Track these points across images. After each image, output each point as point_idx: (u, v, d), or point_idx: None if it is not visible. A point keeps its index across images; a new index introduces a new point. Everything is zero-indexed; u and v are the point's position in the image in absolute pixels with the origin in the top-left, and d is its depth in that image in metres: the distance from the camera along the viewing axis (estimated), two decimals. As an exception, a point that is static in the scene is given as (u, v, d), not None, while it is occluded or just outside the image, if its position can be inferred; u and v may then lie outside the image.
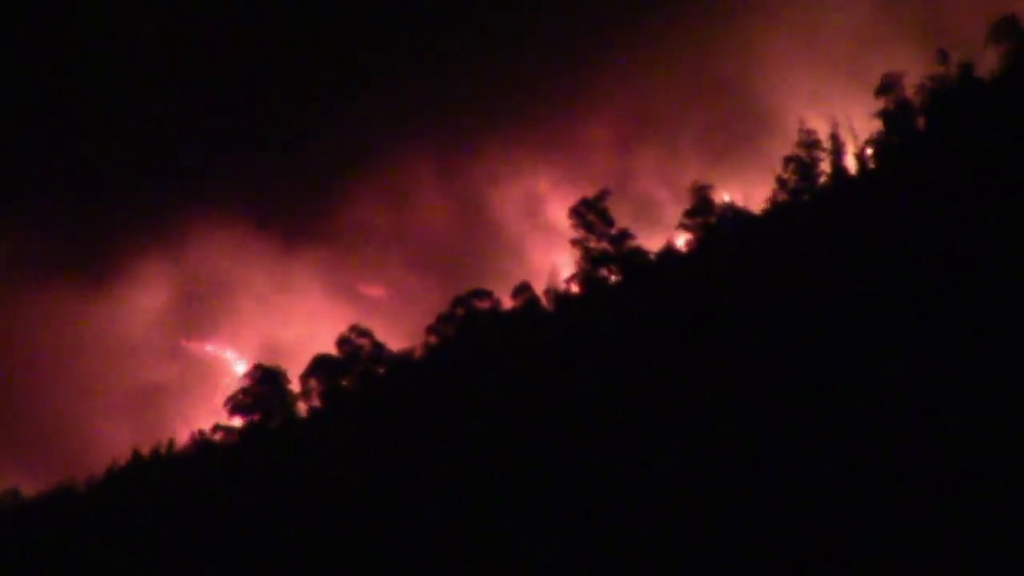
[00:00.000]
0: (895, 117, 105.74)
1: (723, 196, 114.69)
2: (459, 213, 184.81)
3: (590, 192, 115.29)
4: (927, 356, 72.67)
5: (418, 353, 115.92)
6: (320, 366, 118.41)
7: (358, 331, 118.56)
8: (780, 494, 68.71)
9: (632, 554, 72.47)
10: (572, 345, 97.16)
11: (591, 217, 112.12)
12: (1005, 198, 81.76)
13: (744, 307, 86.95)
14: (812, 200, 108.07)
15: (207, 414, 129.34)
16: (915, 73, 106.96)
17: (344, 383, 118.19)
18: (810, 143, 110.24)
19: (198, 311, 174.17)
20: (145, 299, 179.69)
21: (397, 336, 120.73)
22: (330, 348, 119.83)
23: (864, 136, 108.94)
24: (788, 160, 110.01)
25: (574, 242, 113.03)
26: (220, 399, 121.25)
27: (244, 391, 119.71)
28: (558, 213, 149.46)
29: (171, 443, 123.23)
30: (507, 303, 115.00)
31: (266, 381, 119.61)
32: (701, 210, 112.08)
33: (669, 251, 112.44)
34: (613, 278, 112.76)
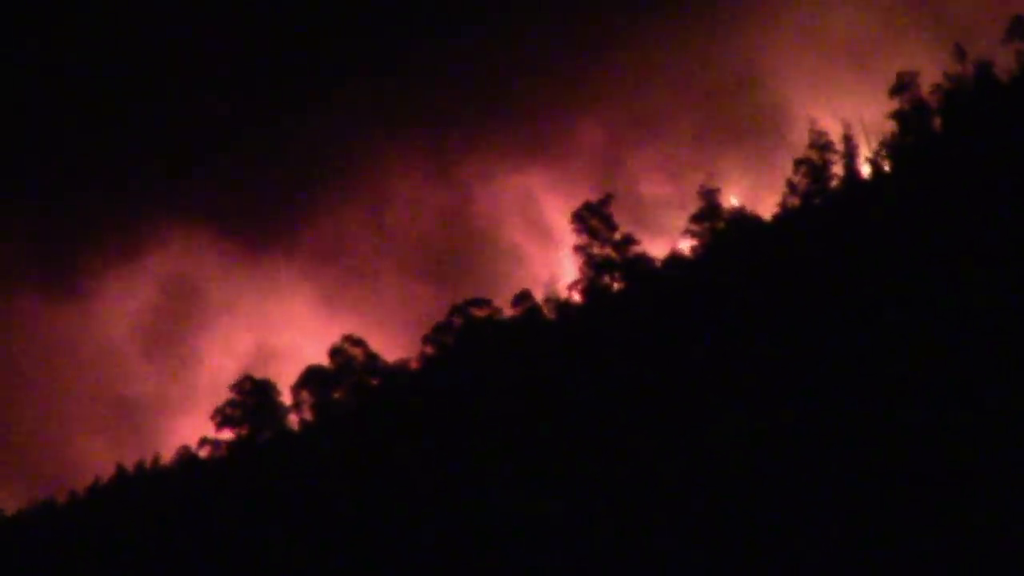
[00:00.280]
0: (910, 118, 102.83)
1: (731, 200, 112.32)
2: (453, 217, 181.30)
3: (591, 195, 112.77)
4: (946, 368, 71.14)
5: (414, 364, 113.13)
6: (312, 377, 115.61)
7: (351, 341, 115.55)
8: (792, 514, 68.15)
9: (632, 566, 72.22)
10: (576, 357, 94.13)
11: (594, 222, 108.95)
12: (1027, 203, 78.98)
13: (754, 317, 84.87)
14: (824, 204, 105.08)
15: (193, 427, 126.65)
16: (930, 72, 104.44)
17: (337, 395, 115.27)
18: (822, 145, 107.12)
19: (180, 320, 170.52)
20: (120, 308, 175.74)
21: (391, 346, 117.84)
22: (322, 358, 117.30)
23: (878, 137, 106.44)
24: (799, 162, 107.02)
25: (576, 248, 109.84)
26: (207, 411, 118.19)
27: (232, 403, 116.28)
28: (555, 216, 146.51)
29: (156, 458, 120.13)
30: (507, 311, 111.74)
31: (255, 393, 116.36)
32: (708, 215, 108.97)
33: (675, 257, 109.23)
34: (617, 286, 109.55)
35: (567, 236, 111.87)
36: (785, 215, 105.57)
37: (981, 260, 78.00)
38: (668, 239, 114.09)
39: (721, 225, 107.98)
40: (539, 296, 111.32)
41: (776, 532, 67.77)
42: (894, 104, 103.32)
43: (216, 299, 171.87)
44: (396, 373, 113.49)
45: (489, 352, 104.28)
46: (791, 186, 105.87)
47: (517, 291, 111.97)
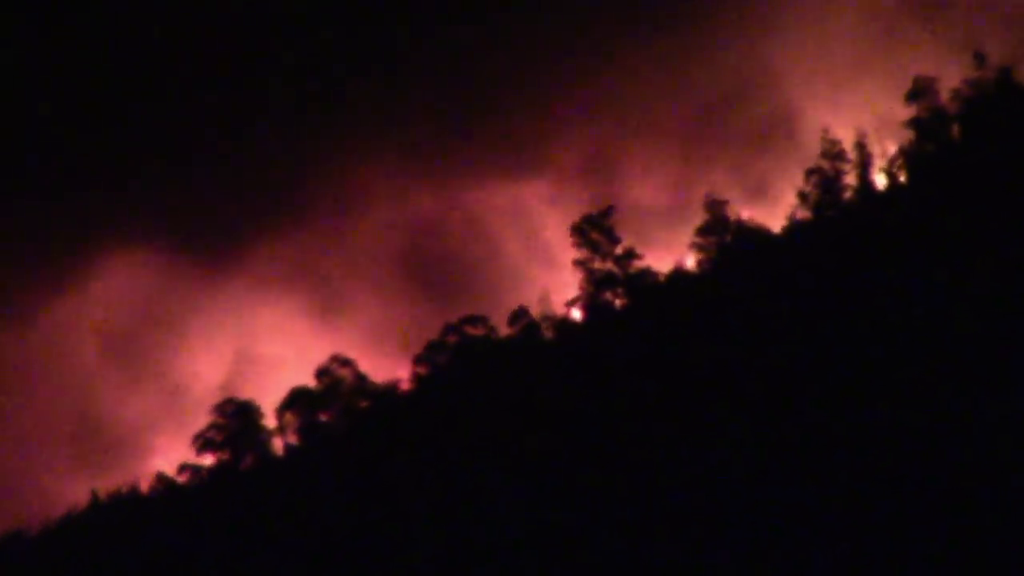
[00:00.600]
0: (928, 125, 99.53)
1: (739, 212, 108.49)
2: (445, 229, 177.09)
3: (590, 207, 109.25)
4: (967, 389, 68.75)
5: (406, 385, 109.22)
6: (297, 399, 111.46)
7: (339, 361, 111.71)
8: (797, 539, 67.06)
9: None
10: (577, 378, 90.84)
11: (595, 235, 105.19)
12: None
13: (762, 334, 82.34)
14: (836, 217, 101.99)
15: (169, 447, 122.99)
16: (949, 77, 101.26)
17: (324, 418, 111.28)
18: (834, 154, 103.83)
19: (150, 341, 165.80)
20: (82, 330, 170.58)
21: (380, 367, 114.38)
22: (308, 379, 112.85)
23: (893, 146, 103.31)
24: (810, 172, 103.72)
25: (576, 263, 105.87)
26: (182, 430, 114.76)
27: (213, 426, 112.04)
28: (554, 230, 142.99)
29: (134, 486, 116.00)
30: (503, 329, 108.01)
31: (237, 415, 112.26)
32: (715, 227, 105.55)
33: (679, 272, 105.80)
34: (619, 302, 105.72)
35: (567, 250, 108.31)
36: (795, 228, 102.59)
37: (1003, 276, 75.72)
38: (669, 252, 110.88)
39: (728, 238, 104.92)
40: (535, 313, 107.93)
41: (782, 553, 66.90)
42: (911, 111, 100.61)
43: (190, 314, 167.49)
44: (387, 394, 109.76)
45: (486, 373, 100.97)
46: (802, 197, 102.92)
47: (512, 309, 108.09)
